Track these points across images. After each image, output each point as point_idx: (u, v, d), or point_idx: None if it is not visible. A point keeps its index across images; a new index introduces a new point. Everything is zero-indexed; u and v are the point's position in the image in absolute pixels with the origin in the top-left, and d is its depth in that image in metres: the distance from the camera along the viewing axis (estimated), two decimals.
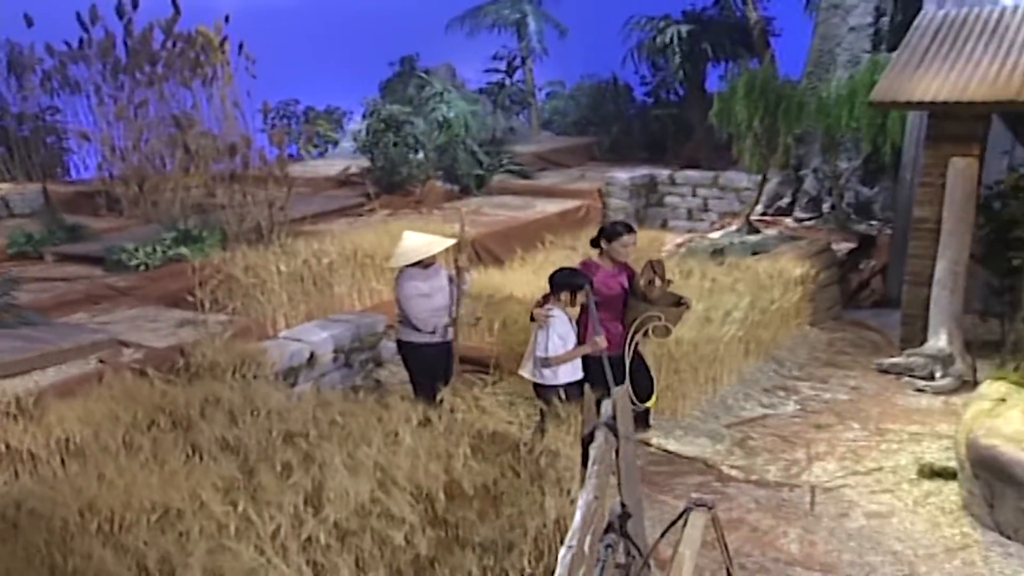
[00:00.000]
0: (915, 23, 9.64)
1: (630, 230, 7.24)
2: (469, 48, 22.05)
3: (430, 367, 6.83)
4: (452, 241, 7.09)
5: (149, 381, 6.66)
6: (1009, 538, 5.45)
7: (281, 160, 12.10)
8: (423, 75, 19.06)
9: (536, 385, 6.59)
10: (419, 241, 6.95)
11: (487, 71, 21.79)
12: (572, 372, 6.47)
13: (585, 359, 6.55)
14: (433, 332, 6.85)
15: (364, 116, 16.40)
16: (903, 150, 10.87)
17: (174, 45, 12.61)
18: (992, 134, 9.14)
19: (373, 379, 8.83)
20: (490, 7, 21.54)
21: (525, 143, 19.19)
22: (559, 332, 6.42)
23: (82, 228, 11.98)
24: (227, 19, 12.28)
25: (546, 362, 6.40)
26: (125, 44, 12.94)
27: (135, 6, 12.74)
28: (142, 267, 10.07)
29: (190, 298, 8.80)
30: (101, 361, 7.35)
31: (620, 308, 6.90)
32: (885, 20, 12.57)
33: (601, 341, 6.32)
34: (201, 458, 5.40)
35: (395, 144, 15.07)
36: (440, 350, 6.95)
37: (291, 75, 20.41)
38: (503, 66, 21.62)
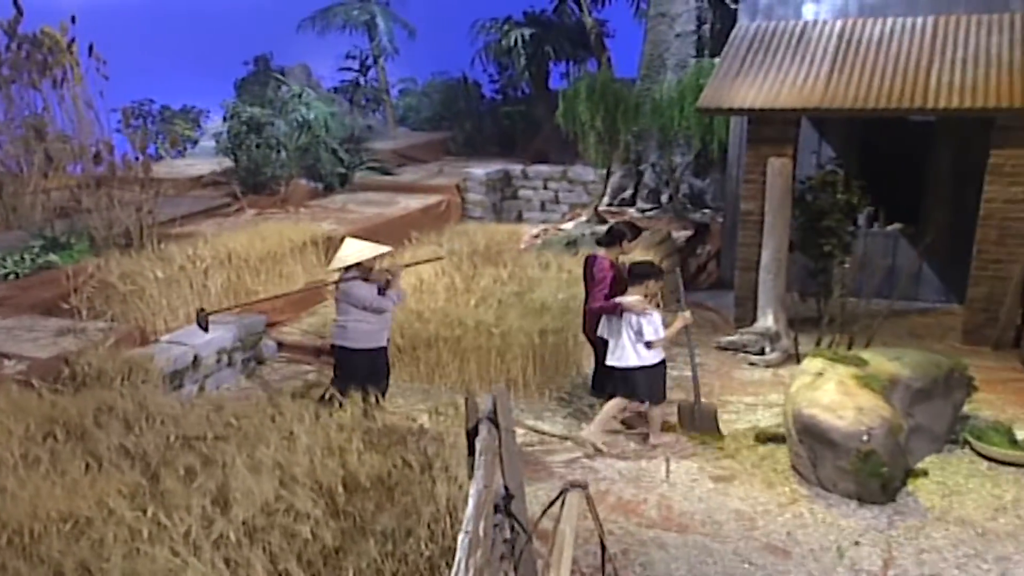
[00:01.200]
0: (732, 35, 10.39)
1: (636, 236, 7.89)
2: (322, 47, 21.93)
3: (370, 371, 7.00)
4: (389, 248, 7.42)
5: (37, 392, 6.50)
6: (829, 491, 6.15)
7: (146, 162, 11.84)
8: (279, 76, 18.84)
9: (625, 370, 7.04)
10: (360, 245, 7.19)
11: (341, 70, 21.76)
12: (657, 354, 7.10)
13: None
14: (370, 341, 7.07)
15: (225, 118, 16.11)
16: (729, 147, 11.68)
17: (19, 47, 12.02)
18: (802, 135, 10.00)
19: (258, 378, 8.89)
20: (339, 8, 21.46)
21: (383, 140, 19.28)
22: (654, 319, 7.02)
23: None
24: (73, 19, 11.84)
25: (650, 345, 6.99)
26: None
27: None
28: (11, 276, 9.70)
29: (65, 306, 8.60)
30: None
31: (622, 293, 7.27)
32: (707, 28, 13.37)
33: (688, 316, 7.19)
34: (101, 466, 5.35)
35: (258, 146, 14.94)
36: (378, 355, 7.19)
37: (143, 75, 19.70)
38: (356, 65, 21.62)
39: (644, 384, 7.03)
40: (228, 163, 15.45)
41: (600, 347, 7.50)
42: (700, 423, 7.29)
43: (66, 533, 4.62)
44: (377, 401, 6.33)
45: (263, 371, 9.06)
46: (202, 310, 7.47)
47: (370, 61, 21.65)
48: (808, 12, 10.32)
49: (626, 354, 7.03)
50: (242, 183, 14.69)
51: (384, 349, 7.27)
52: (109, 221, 10.95)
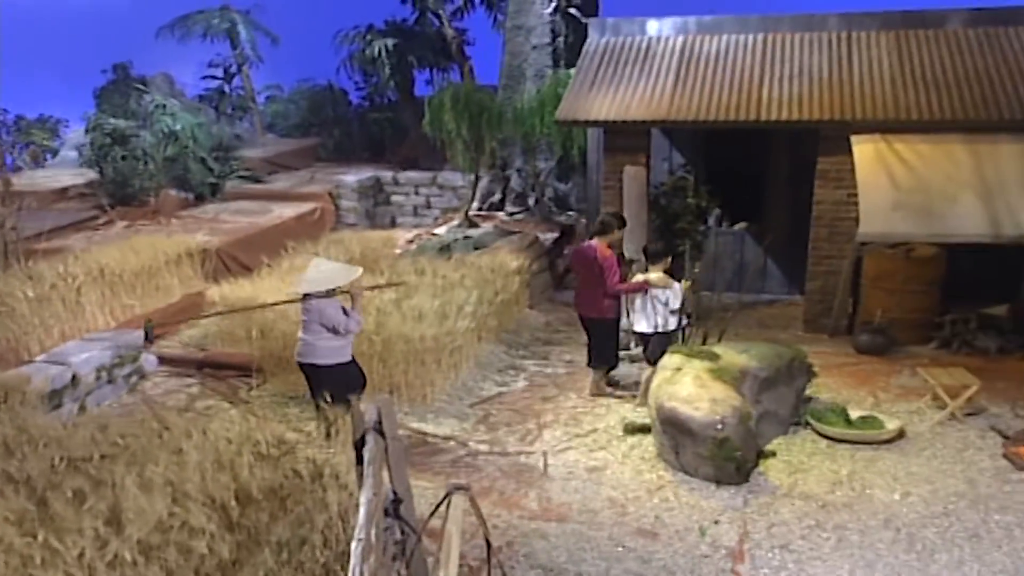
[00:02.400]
0: (583, 50, 10.78)
1: (622, 225, 8.48)
2: (183, 55, 21.27)
3: (344, 384, 6.96)
4: (360, 270, 7.34)
5: None
6: (691, 476, 6.59)
7: (5, 177, 11.32)
8: (141, 86, 18.22)
9: (653, 335, 8.05)
10: (332, 268, 7.22)
11: (205, 78, 21.19)
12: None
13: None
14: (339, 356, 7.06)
15: (87, 130, 15.49)
16: (588, 153, 12.09)
17: None
18: (654, 144, 10.49)
19: (140, 393, 8.69)
20: (198, 15, 20.83)
21: (252, 148, 18.89)
22: (677, 288, 8.05)
23: None
24: None
25: (674, 312, 7.99)
26: None
27: None
28: None
29: None
30: None
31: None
32: (561, 40, 13.77)
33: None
34: None
35: (123, 157, 14.46)
36: (349, 367, 7.17)
37: None
38: (220, 73, 21.10)
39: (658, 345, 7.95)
40: (92, 175, 14.87)
41: (600, 325, 8.22)
42: None
43: None
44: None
45: (145, 386, 8.86)
46: (149, 321, 7.31)
47: (234, 69, 21.14)
48: (652, 29, 10.78)
49: (654, 321, 8.04)
50: (110, 195, 14.21)
51: (353, 360, 7.23)
52: None
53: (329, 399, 6.71)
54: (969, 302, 9.39)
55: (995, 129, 8.71)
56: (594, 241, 8.22)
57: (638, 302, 8.17)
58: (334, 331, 6.89)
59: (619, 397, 8.29)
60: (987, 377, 8.01)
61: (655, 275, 8.03)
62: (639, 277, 8.24)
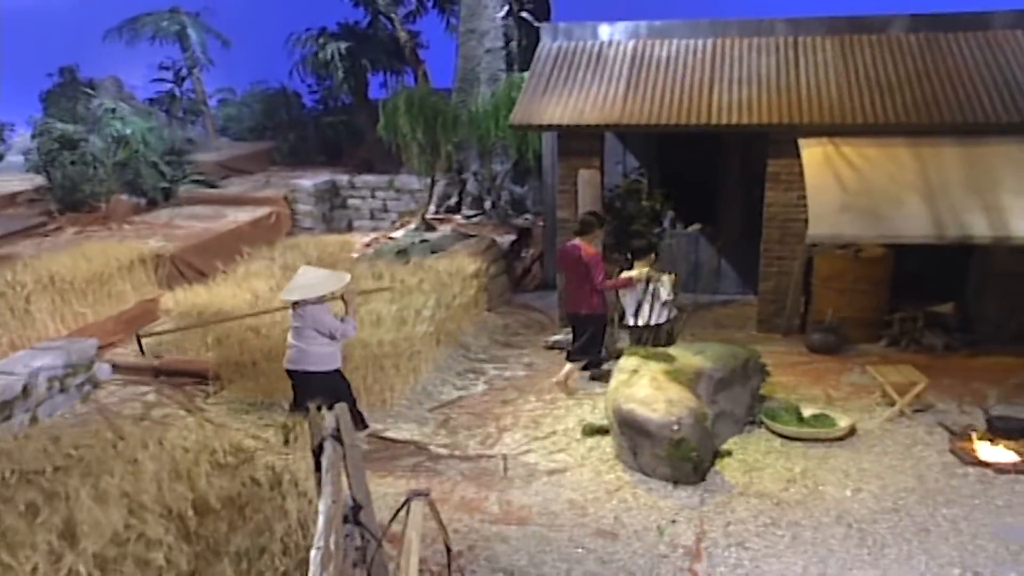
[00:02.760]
0: (536, 54, 10.82)
1: (602, 224, 8.87)
2: (132, 58, 20.89)
3: (332, 391, 6.85)
4: (349, 275, 7.34)
5: None
6: (649, 476, 6.66)
7: None
8: (89, 90, 17.89)
9: (647, 327, 8.52)
10: (319, 274, 7.19)
11: (155, 80, 20.86)
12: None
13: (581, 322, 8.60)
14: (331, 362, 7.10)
15: (33, 135, 15.17)
16: (543, 156, 12.16)
17: None
18: (608, 147, 10.58)
19: (94, 403, 8.56)
20: (147, 17, 20.48)
21: (206, 152, 18.65)
22: (665, 281, 8.50)
23: None
24: None
25: (665, 304, 8.48)
26: None
27: None
28: None
29: None
30: None
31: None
32: (514, 44, 13.81)
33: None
34: None
35: (73, 162, 14.19)
36: (337, 374, 7.20)
37: None
38: (171, 76, 20.79)
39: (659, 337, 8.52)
40: (40, 180, 14.57)
41: (589, 320, 8.52)
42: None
43: None
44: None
45: (99, 395, 8.74)
46: (139, 331, 7.27)
47: (185, 72, 20.84)
48: (604, 33, 10.86)
49: (648, 314, 8.51)
50: (59, 201, 13.94)
51: (339, 369, 7.24)
52: None
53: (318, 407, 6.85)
54: (916, 300, 9.62)
55: (937, 132, 8.94)
56: (577, 240, 8.51)
57: (629, 298, 8.57)
58: (330, 336, 6.93)
59: (597, 393, 8.37)
60: (934, 374, 8.23)
61: (639, 271, 8.46)
62: (626, 274, 8.61)
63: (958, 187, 8.41)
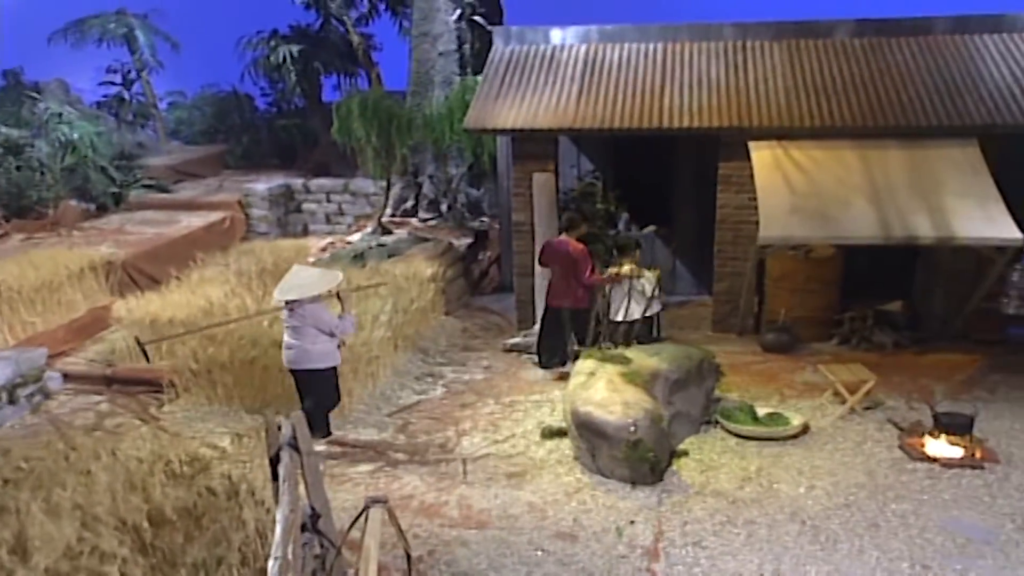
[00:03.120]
0: (489, 58, 10.83)
1: (587, 220, 9.45)
2: (78, 61, 20.45)
3: (335, 388, 7.50)
4: (342, 274, 7.66)
5: None
6: (608, 477, 6.73)
7: None
8: (34, 94, 17.52)
9: (631, 322, 9.04)
10: (312, 274, 7.40)
11: (102, 84, 20.47)
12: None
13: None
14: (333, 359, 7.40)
15: None
16: (498, 160, 12.18)
17: None
18: (562, 150, 10.63)
19: (45, 413, 8.40)
20: (94, 20, 20.08)
21: (157, 156, 18.34)
22: (650, 277, 9.14)
23: None
24: None
25: (651, 298, 9.02)
26: None
27: None
28: None
29: None
30: None
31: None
32: (467, 47, 13.82)
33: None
34: None
35: (18, 168, 13.91)
36: (334, 372, 7.50)
37: None
38: (119, 79, 20.42)
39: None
40: None
41: (574, 314, 8.95)
42: None
43: None
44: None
45: (50, 405, 8.59)
46: (137, 339, 7.47)
47: (133, 75, 20.49)
48: (556, 37, 10.90)
49: (632, 309, 9.03)
50: (4, 207, 13.64)
51: (337, 367, 7.49)
52: None
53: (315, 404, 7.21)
54: (866, 300, 9.84)
55: (882, 136, 9.14)
56: (563, 236, 8.89)
57: (617, 293, 9.07)
58: (330, 333, 7.19)
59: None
60: (883, 372, 8.43)
61: (627, 267, 9.01)
62: (612, 270, 9.09)
63: (903, 189, 8.61)
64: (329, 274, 7.52)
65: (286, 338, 7.31)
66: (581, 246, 8.78)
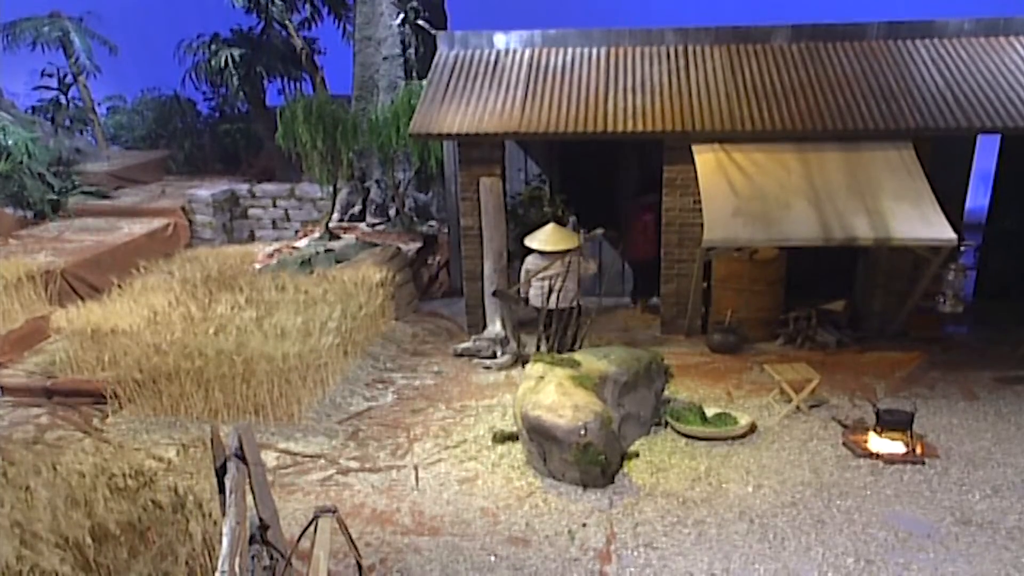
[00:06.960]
0: (434, 63, 10.79)
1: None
2: (11, 64, 19.84)
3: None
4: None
5: None
6: (559, 481, 6.77)
7: None
8: None
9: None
10: (565, 231, 8.72)
11: (37, 88, 19.89)
12: None
13: None
14: None
15: None
16: (445, 164, 12.12)
17: None
18: (509, 154, 10.63)
19: None
20: (26, 23, 19.43)
21: (96, 162, 17.82)
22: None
23: None
24: None
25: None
26: None
27: None
28: None
29: None
30: None
31: None
32: (412, 52, 13.74)
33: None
34: None
35: None
36: None
37: None
38: (55, 83, 19.88)
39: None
40: None
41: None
42: None
43: None
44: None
45: None
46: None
47: (70, 79, 19.95)
48: (500, 42, 10.88)
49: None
50: None
51: None
52: None
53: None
54: (809, 299, 10.01)
55: (821, 139, 9.32)
56: None
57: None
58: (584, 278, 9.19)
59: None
60: (827, 370, 8.61)
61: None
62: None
63: (842, 191, 8.78)
64: (572, 234, 9.37)
65: (558, 283, 8.95)
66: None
